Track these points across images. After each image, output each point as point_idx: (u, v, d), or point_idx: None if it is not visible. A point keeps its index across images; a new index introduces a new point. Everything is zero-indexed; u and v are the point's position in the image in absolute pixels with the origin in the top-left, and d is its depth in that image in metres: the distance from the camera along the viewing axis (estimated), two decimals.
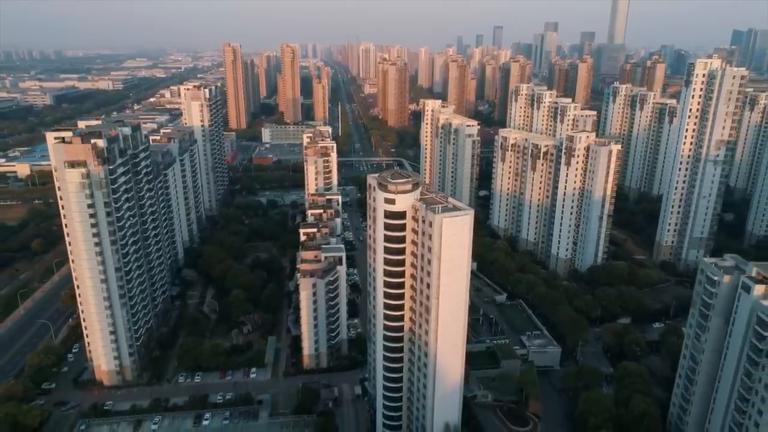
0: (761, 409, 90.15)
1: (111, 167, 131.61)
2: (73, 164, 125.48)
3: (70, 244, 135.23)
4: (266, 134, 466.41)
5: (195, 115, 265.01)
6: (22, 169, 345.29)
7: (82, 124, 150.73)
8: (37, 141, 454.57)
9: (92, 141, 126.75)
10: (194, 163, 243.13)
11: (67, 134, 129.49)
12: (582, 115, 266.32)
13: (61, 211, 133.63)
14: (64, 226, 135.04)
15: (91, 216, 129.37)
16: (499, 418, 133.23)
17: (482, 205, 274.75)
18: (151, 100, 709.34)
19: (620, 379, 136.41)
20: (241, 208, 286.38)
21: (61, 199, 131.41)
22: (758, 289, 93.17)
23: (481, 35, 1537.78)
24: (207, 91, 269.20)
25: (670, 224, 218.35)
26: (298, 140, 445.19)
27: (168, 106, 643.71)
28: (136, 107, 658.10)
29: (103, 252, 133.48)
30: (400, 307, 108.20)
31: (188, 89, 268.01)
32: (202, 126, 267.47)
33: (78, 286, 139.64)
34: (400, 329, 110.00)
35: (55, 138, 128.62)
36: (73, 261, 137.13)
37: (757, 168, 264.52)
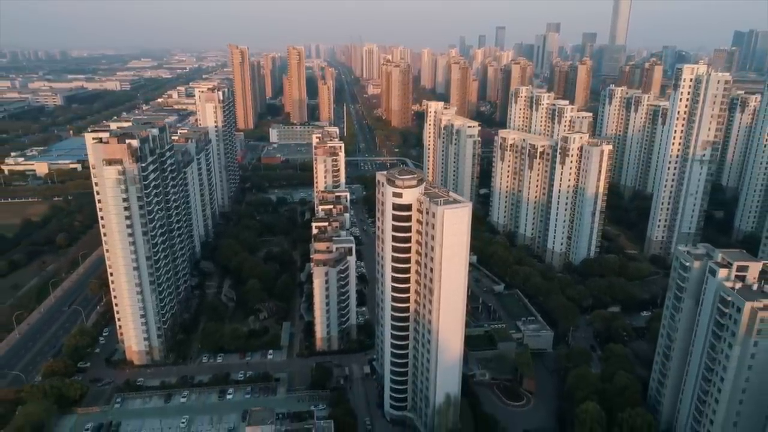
0: (723, 377, 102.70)
1: (143, 165, 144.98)
2: (110, 162, 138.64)
3: (105, 235, 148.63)
4: (274, 134, 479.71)
5: (209, 116, 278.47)
6: (41, 168, 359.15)
7: (114, 125, 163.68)
8: (52, 141, 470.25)
9: (127, 141, 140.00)
10: (209, 162, 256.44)
11: (104, 135, 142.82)
12: (578, 117, 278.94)
13: (98, 205, 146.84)
14: (99, 219, 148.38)
15: (126, 209, 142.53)
16: (495, 394, 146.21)
17: (482, 203, 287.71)
18: (159, 100, 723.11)
19: (606, 359, 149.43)
20: (253, 205, 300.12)
21: (98, 193, 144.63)
22: (722, 273, 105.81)
23: (483, 35, 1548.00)
24: (220, 93, 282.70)
25: (660, 220, 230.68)
26: (304, 140, 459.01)
27: (176, 107, 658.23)
28: (144, 107, 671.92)
29: (136, 242, 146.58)
30: (406, 290, 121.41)
31: (203, 92, 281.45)
32: (216, 127, 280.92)
33: (111, 274, 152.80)
34: (406, 309, 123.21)
35: (94, 138, 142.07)
36: (107, 250, 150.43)
37: (746, 167, 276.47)
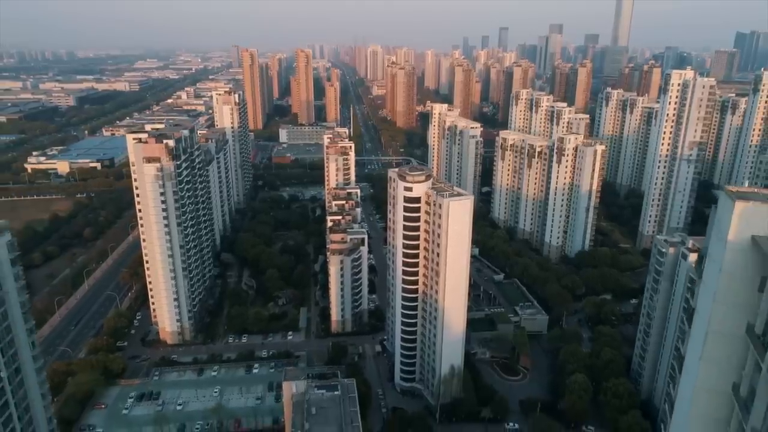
0: None
1: (178, 163, 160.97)
2: (149, 160, 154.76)
3: (142, 226, 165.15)
4: (283, 135, 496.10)
5: (226, 117, 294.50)
6: (62, 167, 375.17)
7: (148, 127, 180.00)
8: (69, 141, 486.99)
9: (164, 141, 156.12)
10: (227, 161, 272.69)
11: (143, 135, 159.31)
12: (576, 118, 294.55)
13: (136, 199, 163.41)
14: (138, 211, 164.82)
15: (163, 202, 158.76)
16: (495, 369, 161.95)
17: (484, 200, 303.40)
18: (169, 101, 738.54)
19: (595, 339, 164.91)
20: (266, 201, 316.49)
21: (137, 188, 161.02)
22: (692, 257, 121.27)
23: (486, 36, 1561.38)
24: (236, 96, 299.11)
25: (650, 216, 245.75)
26: (312, 140, 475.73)
27: (185, 108, 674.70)
28: (155, 108, 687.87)
29: (171, 232, 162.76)
30: (415, 273, 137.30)
31: (220, 95, 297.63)
32: (232, 128, 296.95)
33: (147, 261, 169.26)
34: (415, 291, 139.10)
35: (134, 138, 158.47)
36: (144, 240, 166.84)
37: (733, 166, 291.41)
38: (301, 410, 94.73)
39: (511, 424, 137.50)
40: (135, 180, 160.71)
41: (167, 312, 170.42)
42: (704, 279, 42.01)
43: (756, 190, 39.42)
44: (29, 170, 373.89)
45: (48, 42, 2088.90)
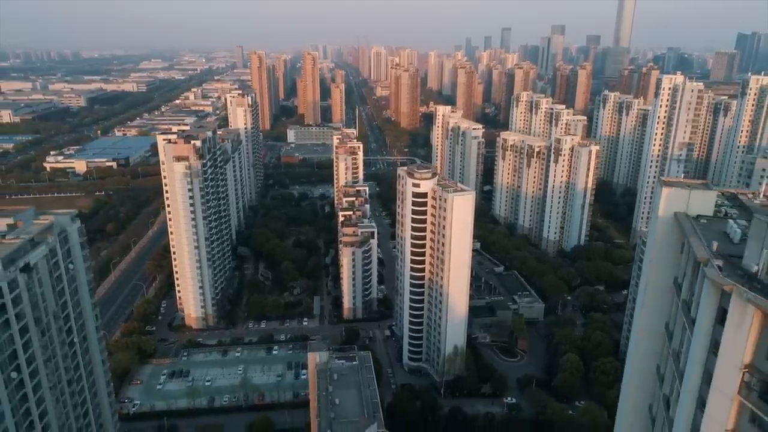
0: None
1: (204, 161, 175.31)
2: (179, 159, 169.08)
3: (171, 220, 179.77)
4: (291, 135, 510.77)
5: (240, 119, 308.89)
6: (80, 166, 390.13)
7: (175, 129, 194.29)
8: (83, 140, 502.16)
9: (192, 142, 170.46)
10: (241, 160, 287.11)
11: (173, 136, 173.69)
12: (574, 120, 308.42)
13: (165, 195, 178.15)
14: (167, 206, 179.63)
15: (191, 198, 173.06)
16: (494, 352, 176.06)
17: (486, 198, 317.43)
18: (177, 102, 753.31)
19: (588, 325, 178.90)
20: (277, 199, 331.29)
21: (166, 185, 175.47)
22: None
23: (489, 37, 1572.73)
24: (249, 98, 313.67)
25: (643, 213, 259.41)
26: (319, 140, 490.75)
27: (193, 108, 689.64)
28: (163, 109, 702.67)
29: (197, 225, 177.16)
30: (422, 262, 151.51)
31: (234, 97, 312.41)
32: (246, 129, 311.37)
33: (174, 252, 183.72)
34: (422, 278, 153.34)
35: (164, 139, 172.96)
36: (172, 232, 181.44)
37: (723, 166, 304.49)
38: (324, 376, 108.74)
39: (509, 398, 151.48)
40: (165, 177, 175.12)
41: (193, 299, 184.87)
42: (646, 246, 56.15)
43: (682, 180, 53.38)
44: (48, 169, 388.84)
45: (49, 42, 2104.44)
